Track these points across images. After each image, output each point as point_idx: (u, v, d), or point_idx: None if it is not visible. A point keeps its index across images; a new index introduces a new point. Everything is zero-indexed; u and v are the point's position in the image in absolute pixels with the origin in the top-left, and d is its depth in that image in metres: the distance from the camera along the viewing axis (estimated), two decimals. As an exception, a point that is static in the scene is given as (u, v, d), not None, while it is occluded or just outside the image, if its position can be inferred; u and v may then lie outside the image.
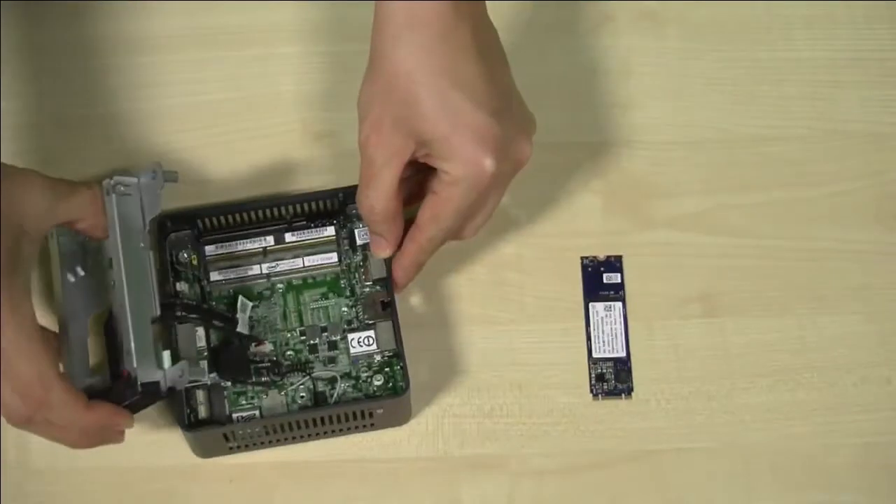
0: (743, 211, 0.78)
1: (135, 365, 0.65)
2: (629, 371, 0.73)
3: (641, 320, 0.75)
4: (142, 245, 0.68)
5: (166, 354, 0.67)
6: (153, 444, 0.71)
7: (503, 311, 0.75)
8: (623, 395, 0.73)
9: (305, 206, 0.74)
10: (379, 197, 0.68)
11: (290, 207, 0.74)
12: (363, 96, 0.67)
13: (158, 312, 0.67)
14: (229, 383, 0.70)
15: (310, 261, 0.74)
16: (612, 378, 0.73)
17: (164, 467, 0.71)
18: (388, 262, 0.72)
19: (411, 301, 0.75)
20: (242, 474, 0.71)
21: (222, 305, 0.73)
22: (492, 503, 0.70)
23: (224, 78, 0.81)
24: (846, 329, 0.74)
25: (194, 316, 0.70)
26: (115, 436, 0.67)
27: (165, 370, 0.66)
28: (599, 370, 0.73)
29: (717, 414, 0.72)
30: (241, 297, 0.72)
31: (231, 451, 0.70)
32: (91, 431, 0.66)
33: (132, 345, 0.66)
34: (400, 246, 0.71)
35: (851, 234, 0.77)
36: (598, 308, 0.75)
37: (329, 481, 0.71)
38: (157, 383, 0.65)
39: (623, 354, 0.74)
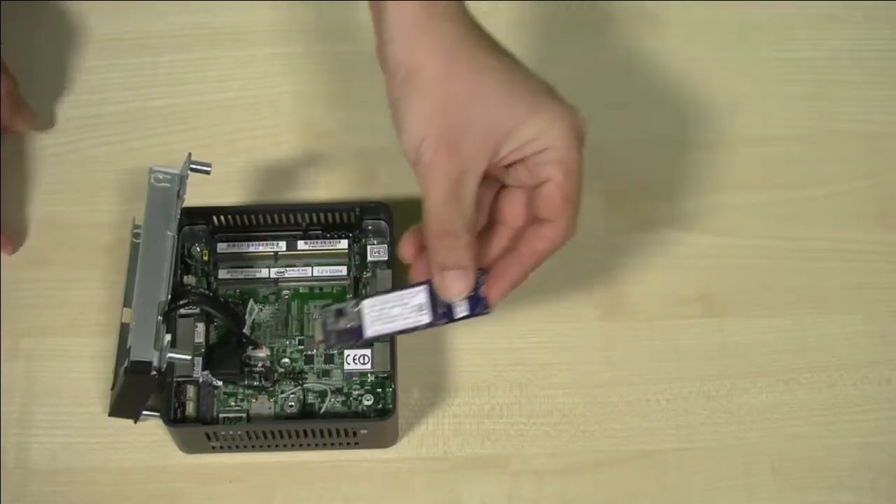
0: (743, 211, 0.77)
1: (129, 344, 0.65)
2: None
3: (641, 320, 0.75)
4: (169, 233, 0.68)
5: (167, 337, 0.66)
6: (153, 444, 0.71)
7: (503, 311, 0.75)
8: None
9: (322, 217, 0.74)
10: (462, 213, 0.61)
11: (307, 216, 0.74)
12: (411, 119, 0.61)
13: (167, 297, 0.67)
14: (221, 383, 0.70)
15: (319, 271, 0.73)
16: None
17: (164, 467, 0.71)
18: (394, 282, 0.71)
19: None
20: (242, 474, 0.71)
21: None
22: (492, 503, 0.70)
23: (224, 78, 0.82)
24: (846, 329, 0.74)
25: (207, 307, 0.70)
26: None
27: (161, 351, 0.65)
28: None
29: (717, 414, 0.72)
30: (251, 301, 0.72)
31: (214, 450, 0.70)
32: None
33: (133, 322, 0.65)
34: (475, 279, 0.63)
35: (851, 234, 0.77)
36: (597, 308, 0.75)
37: (329, 481, 0.71)
38: (148, 363, 0.64)
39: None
